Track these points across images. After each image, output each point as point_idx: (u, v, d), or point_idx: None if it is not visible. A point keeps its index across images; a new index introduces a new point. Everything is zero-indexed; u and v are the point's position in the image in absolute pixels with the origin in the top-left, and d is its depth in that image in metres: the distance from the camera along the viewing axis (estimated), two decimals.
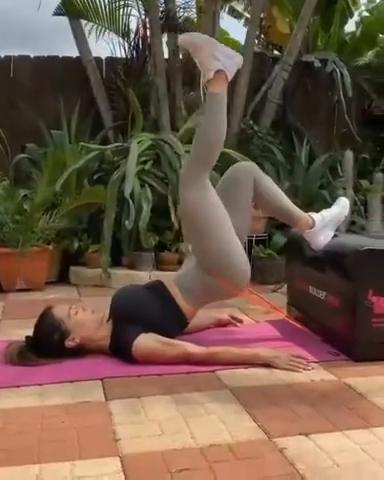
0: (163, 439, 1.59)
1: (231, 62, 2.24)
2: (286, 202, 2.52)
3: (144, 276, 3.91)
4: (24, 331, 2.37)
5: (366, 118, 5.75)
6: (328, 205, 2.71)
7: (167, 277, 2.50)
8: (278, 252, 4.19)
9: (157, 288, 2.41)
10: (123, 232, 3.97)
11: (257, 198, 2.46)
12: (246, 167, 2.48)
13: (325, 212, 2.57)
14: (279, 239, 4.29)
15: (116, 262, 4.08)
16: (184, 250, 3.51)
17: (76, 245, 4.08)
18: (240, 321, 2.83)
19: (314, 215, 2.53)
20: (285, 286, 3.19)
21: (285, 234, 4.17)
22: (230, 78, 2.27)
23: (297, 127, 5.35)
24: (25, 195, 4.18)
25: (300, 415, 1.76)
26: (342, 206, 2.63)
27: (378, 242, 2.54)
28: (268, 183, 2.49)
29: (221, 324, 2.77)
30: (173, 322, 2.33)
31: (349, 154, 4.54)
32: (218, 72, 2.22)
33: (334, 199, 2.75)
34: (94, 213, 4.20)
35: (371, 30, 6.03)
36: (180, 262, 4.08)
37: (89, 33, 5.15)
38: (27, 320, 2.55)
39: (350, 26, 6.25)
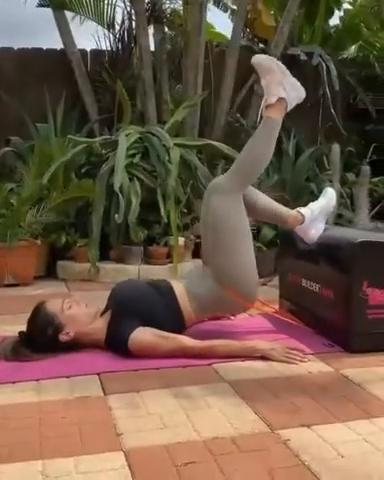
0: (165, 433, 1.58)
1: (295, 95, 2.35)
2: (271, 204, 2.53)
3: (133, 270, 3.89)
4: (14, 327, 2.35)
5: (351, 111, 5.78)
6: (315, 197, 2.71)
7: (177, 281, 2.48)
8: (267, 245, 4.19)
9: (162, 287, 2.39)
10: (112, 226, 3.93)
11: None
12: None
13: (313, 205, 2.57)
14: (268, 232, 4.29)
15: (104, 256, 4.04)
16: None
17: (64, 239, 4.02)
18: (234, 314, 2.82)
19: (302, 210, 2.53)
20: (275, 279, 3.20)
21: (274, 227, 4.19)
22: (289, 109, 2.37)
23: (283, 120, 5.34)
24: (11, 189, 4.13)
25: (300, 407, 1.76)
26: (329, 197, 2.63)
27: (370, 234, 2.56)
28: (250, 191, 2.48)
29: (215, 317, 2.75)
30: (171, 322, 2.30)
31: (336, 147, 4.55)
32: (280, 100, 2.32)
33: (321, 191, 2.76)
34: (82, 207, 4.15)
35: (354, 23, 6.04)
36: (169, 256, 4.08)
37: (81, 21, 5.07)
38: (17, 315, 2.53)
39: (335, 19, 6.26)
